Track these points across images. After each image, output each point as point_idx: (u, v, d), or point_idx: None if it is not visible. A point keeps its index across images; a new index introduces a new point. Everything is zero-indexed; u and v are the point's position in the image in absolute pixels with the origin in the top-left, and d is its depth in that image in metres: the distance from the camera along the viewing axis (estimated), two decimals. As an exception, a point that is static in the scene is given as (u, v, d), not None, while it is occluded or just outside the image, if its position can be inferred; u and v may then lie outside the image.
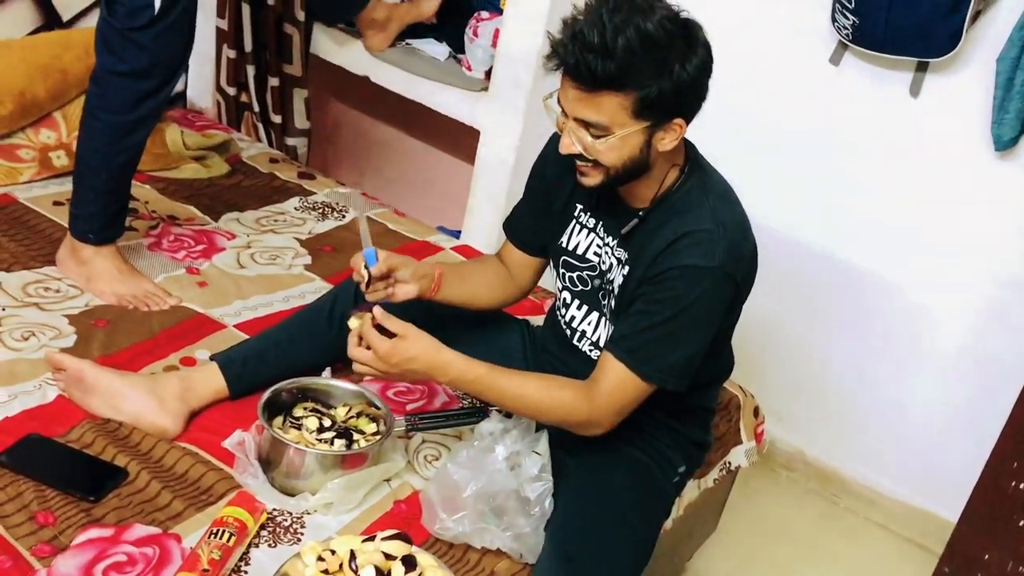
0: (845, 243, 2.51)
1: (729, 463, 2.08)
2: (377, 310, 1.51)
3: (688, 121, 1.45)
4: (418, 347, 1.49)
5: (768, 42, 2.46)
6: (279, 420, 1.66)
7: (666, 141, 1.44)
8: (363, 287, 1.60)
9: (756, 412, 2.18)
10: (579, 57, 1.34)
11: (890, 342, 2.53)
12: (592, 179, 1.47)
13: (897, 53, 2.24)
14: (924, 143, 2.34)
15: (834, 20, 2.30)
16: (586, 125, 1.40)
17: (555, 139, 1.72)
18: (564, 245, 1.67)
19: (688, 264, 1.45)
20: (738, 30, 2.45)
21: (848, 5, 2.22)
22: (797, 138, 2.50)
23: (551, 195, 1.68)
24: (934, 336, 2.46)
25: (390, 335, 1.50)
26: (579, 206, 1.65)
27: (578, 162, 1.47)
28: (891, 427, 2.59)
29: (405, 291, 1.64)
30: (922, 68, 2.27)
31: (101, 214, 2.00)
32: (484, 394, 1.55)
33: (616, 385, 1.50)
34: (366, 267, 1.59)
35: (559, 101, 1.44)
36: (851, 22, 2.24)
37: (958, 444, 2.47)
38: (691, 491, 1.92)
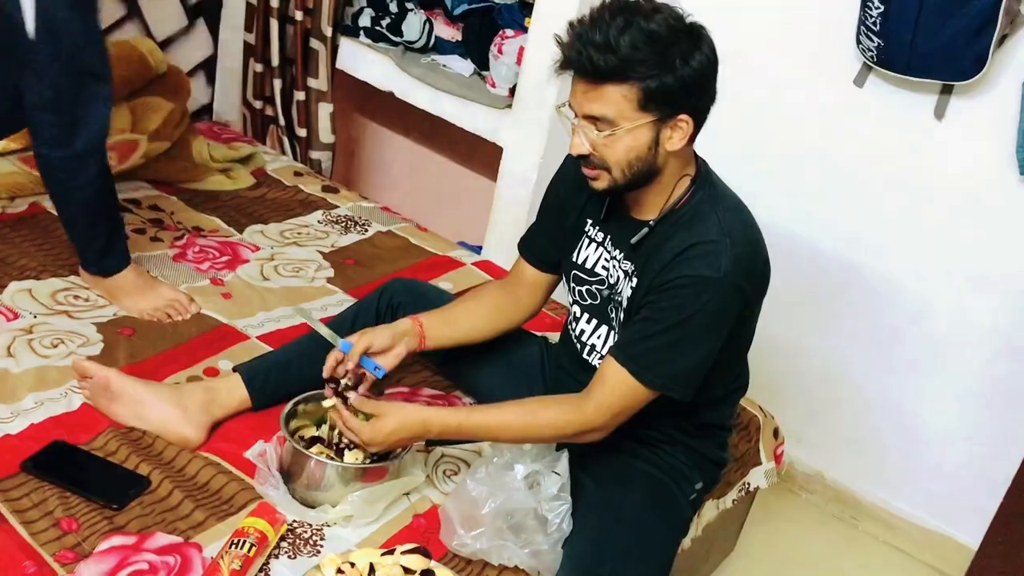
0: (868, 265, 2.51)
1: (748, 484, 2.07)
2: (353, 397, 1.60)
3: (696, 121, 1.47)
4: (393, 421, 1.55)
5: (792, 63, 2.47)
6: (306, 430, 1.67)
7: (674, 140, 1.47)
8: (348, 381, 1.66)
9: (776, 433, 2.17)
10: (582, 50, 1.39)
11: (913, 365, 2.51)
12: (601, 182, 1.50)
13: (922, 76, 2.23)
14: (948, 166, 2.33)
15: (858, 42, 2.30)
16: (594, 121, 1.43)
17: (570, 157, 1.74)
18: (574, 260, 1.68)
19: (693, 274, 1.47)
20: (762, 51, 2.46)
21: (873, 27, 2.22)
22: (820, 159, 2.50)
23: (564, 212, 1.70)
24: (958, 360, 2.44)
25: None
26: (589, 220, 1.67)
27: (586, 168, 1.50)
28: (912, 450, 2.57)
29: (392, 357, 1.68)
30: (947, 91, 2.27)
31: (88, 248, 1.99)
32: (475, 436, 1.61)
33: (615, 389, 1.51)
34: (341, 362, 1.65)
35: (570, 105, 1.48)
36: (875, 44, 2.25)
37: (979, 469, 2.45)
38: (709, 511, 1.92)
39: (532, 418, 1.55)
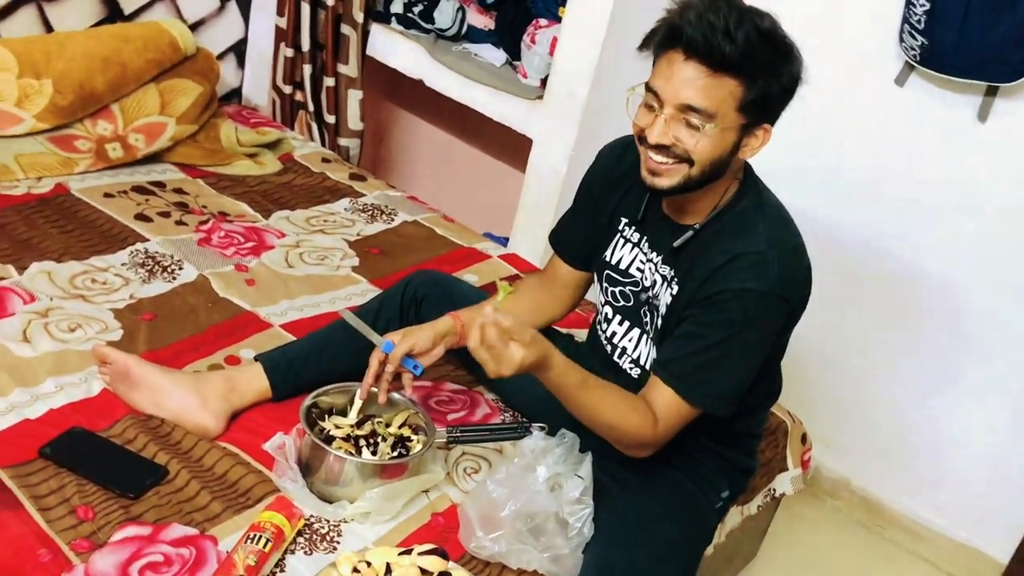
0: (904, 269, 2.45)
1: (773, 490, 2.03)
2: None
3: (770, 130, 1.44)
4: (534, 335, 1.41)
5: (833, 61, 2.40)
6: (327, 423, 1.64)
7: (753, 146, 1.43)
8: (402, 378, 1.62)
9: (804, 439, 2.13)
10: (707, 34, 1.32)
11: (946, 373, 2.45)
12: (669, 179, 1.42)
13: (966, 76, 2.17)
14: (991, 169, 2.27)
15: (901, 40, 2.24)
16: (690, 111, 1.36)
17: (605, 152, 1.70)
18: (607, 259, 1.64)
19: (741, 287, 1.42)
20: (802, 47, 2.40)
21: (917, 26, 2.16)
22: (858, 159, 2.44)
23: (597, 208, 1.65)
24: (992, 370, 2.38)
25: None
26: (623, 219, 1.62)
27: (657, 159, 1.42)
28: (944, 461, 2.51)
29: (431, 357, 1.65)
30: (991, 92, 2.20)
31: None
32: (571, 398, 1.48)
33: (668, 411, 1.47)
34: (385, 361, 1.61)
35: (651, 89, 1.40)
36: (920, 43, 2.18)
37: (1012, 484, 2.39)
38: (733, 517, 1.88)
39: (623, 417, 1.47)
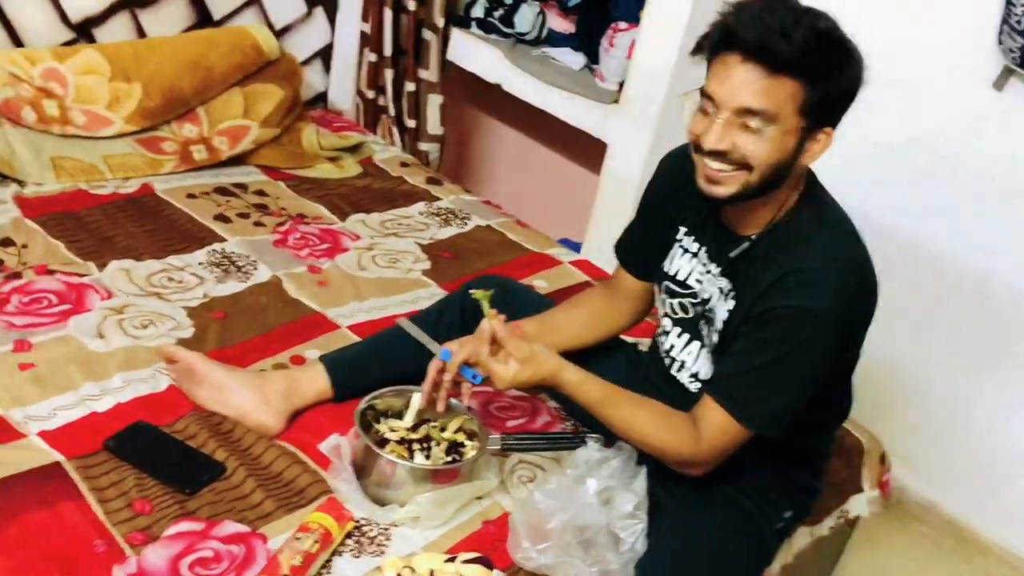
0: (998, 281, 2.32)
1: (847, 512, 1.94)
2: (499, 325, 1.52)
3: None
4: (533, 349, 1.49)
5: (927, 64, 2.30)
6: (382, 425, 1.65)
7: (814, 151, 1.38)
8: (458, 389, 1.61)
9: (883, 459, 2.02)
10: (764, 36, 1.28)
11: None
12: (728, 187, 1.38)
13: (1070, 80, 2.04)
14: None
15: (1000, 42, 2.12)
16: (748, 115, 1.32)
17: (666, 160, 1.66)
18: (666, 270, 1.60)
19: (794, 305, 1.37)
20: (896, 51, 2.30)
21: (1017, 26, 2.04)
22: (954, 165, 2.32)
23: (658, 218, 1.61)
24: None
25: None
26: (682, 229, 1.58)
27: (714, 167, 1.37)
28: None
29: None
30: (1099, 97, 2.07)
31: None
32: (599, 412, 1.51)
33: (716, 430, 1.43)
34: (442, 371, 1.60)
35: (707, 95, 1.35)
36: (1020, 44, 2.06)
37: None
38: (802, 538, 1.80)
39: (655, 434, 1.47)
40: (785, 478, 1.60)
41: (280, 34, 2.91)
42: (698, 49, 1.38)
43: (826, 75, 1.31)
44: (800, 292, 1.36)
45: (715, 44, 1.34)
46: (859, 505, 1.96)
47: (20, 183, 2.25)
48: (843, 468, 1.91)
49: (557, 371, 1.48)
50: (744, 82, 1.31)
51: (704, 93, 1.36)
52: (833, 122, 1.37)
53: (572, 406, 1.84)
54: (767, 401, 1.41)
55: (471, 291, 1.51)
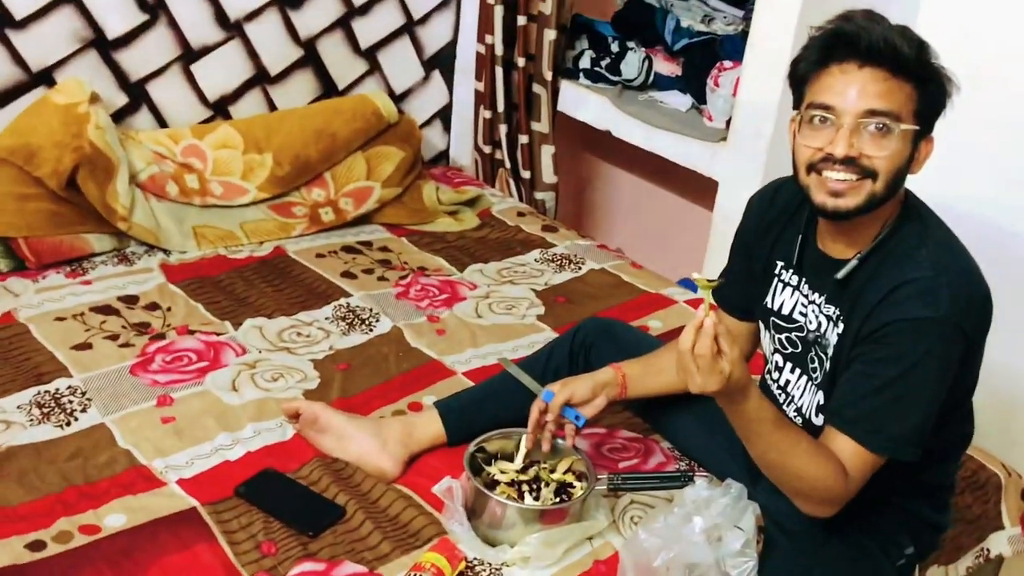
0: None
1: (987, 550, 1.84)
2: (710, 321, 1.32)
3: None
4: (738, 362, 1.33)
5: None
6: (493, 467, 1.69)
7: (920, 159, 1.39)
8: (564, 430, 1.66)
9: (1024, 494, 1.92)
10: (886, 37, 1.31)
11: None
12: (855, 197, 1.36)
13: None
14: None
15: None
16: (874, 117, 1.32)
17: (755, 199, 1.67)
18: (769, 306, 1.58)
19: (911, 317, 1.33)
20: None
21: None
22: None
23: (754, 257, 1.61)
24: None
25: None
26: (779, 263, 1.56)
27: (839, 178, 1.35)
28: None
29: (592, 408, 1.67)
30: None
31: None
32: (760, 437, 1.38)
33: (849, 461, 1.37)
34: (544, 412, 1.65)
35: (819, 107, 1.35)
36: None
37: None
38: (936, 576, 1.73)
39: (815, 465, 1.37)
40: (905, 511, 1.54)
41: (401, 98, 3.06)
42: (797, 68, 1.39)
43: (935, 78, 1.34)
44: (913, 303, 1.33)
45: (826, 56, 1.35)
46: (1000, 543, 1.86)
47: (166, 252, 2.45)
48: (977, 503, 1.82)
49: (751, 380, 1.36)
50: (867, 85, 1.32)
51: (817, 105, 1.35)
52: (932, 130, 1.39)
53: (685, 445, 1.84)
54: (896, 423, 1.36)
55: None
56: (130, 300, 2.22)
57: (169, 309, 2.21)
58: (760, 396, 1.37)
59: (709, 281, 1.32)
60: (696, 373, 1.30)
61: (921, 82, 1.33)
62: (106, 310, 2.17)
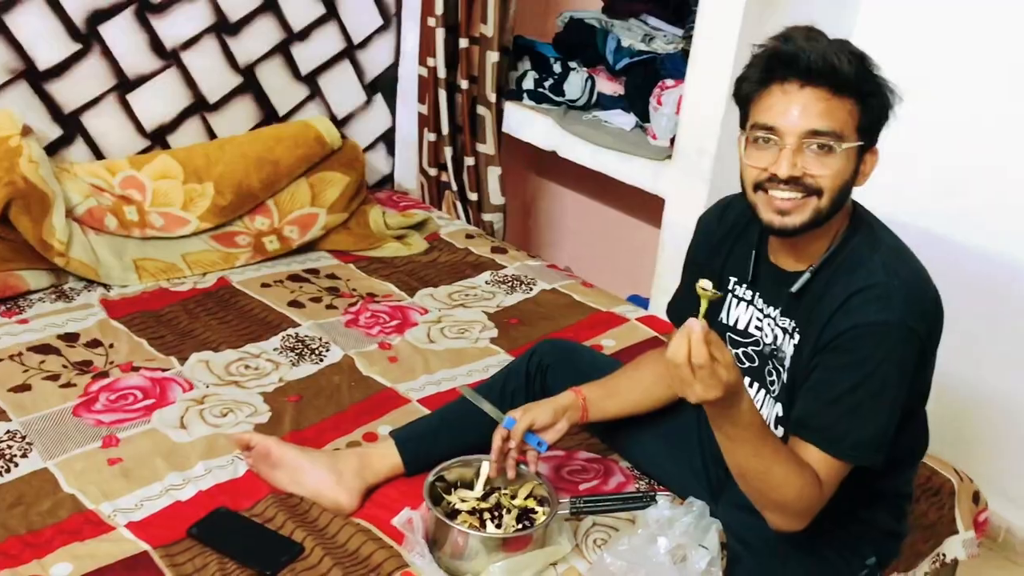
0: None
1: (943, 555, 1.86)
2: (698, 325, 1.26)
3: None
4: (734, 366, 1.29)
5: (989, 83, 2.26)
6: (453, 496, 1.66)
7: (866, 172, 1.40)
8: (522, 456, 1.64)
9: (976, 498, 1.95)
10: (825, 56, 1.32)
11: None
12: (801, 215, 1.37)
13: None
14: None
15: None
16: (815, 137, 1.34)
17: (704, 218, 1.68)
18: (724, 321, 1.59)
19: (868, 321, 1.35)
20: (956, 74, 2.27)
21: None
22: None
23: (705, 273, 1.61)
24: None
25: None
26: (732, 279, 1.57)
27: (784, 196, 1.36)
28: None
29: (555, 432, 1.66)
30: None
31: None
32: (748, 447, 1.34)
33: (818, 472, 1.37)
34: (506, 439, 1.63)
35: (763, 128, 1.36)
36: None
37: None
38: (897, 585, 1.74)
39: (796, 474, 1.35)
40: (865, 521, 1.55)
41: (343, 122, 3.04)
42: (740, 88, 1.40)
43: (877, 92, 1.35)
44: (869, 308, 1.35)
45: (766, 76, 1.36)
46: (954, 547, 1.89)
47: (106, 287, 2.38)
48: (933, 510, 1.84)
49: (744, 384, 1.32)
50: (808, 105, 1.33)
51: (760, 126, 1.37)
52: (876, 142, 1.40)
53: (646, 465, 1.83)
54: (859, 429, 1.36)
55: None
56: (70, 338, 2.16)
57: (111, 346, 2.14)
58: (751, 399, 1.35)
59: (705, 291, 1.28)
60: (695, 383, 1.25)
61: (862, 97, 1.35)
62: (45, 349, 2.10)
